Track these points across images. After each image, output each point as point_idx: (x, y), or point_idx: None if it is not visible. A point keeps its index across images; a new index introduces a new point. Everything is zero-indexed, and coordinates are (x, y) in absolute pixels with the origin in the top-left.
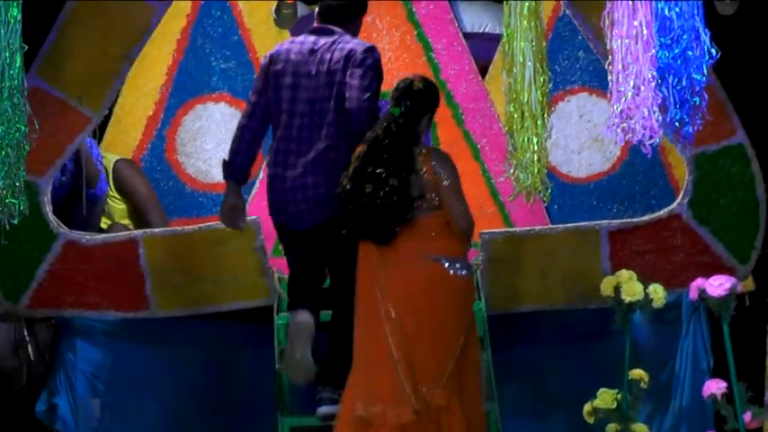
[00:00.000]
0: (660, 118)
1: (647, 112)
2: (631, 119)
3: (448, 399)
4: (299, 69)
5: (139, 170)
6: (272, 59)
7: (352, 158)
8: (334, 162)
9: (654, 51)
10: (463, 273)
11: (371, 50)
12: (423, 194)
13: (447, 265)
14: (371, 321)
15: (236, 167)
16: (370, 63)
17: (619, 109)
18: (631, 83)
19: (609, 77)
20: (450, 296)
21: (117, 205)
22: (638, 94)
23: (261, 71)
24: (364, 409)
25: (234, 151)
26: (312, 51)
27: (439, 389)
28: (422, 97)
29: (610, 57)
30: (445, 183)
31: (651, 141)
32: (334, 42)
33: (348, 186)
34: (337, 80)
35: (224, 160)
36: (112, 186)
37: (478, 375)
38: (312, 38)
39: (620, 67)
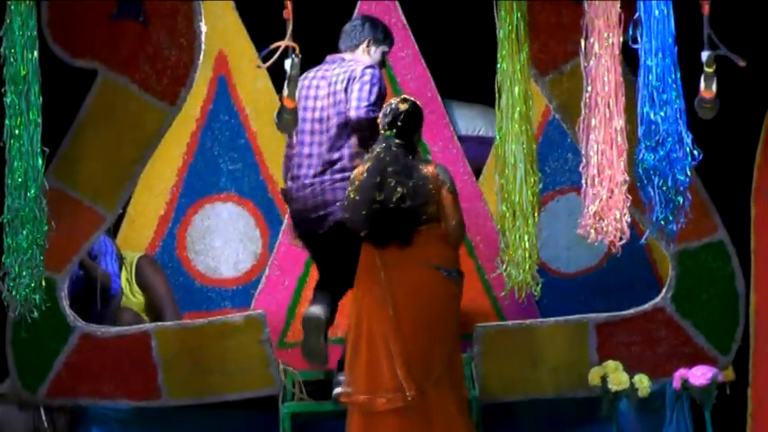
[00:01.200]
0: (628, 220)
1: (618, 215)
2: (603, 220)
3: (438, 388)
4: (309, 94)
5: (159, 268)
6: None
7: (353, 176)
8: (340, 174)
9: (625, 157)
10: (457, 278)
11: (370, 67)
12: (427, 203)
13: (445, 274)
14: (371, 318)
15: None
16: (368, 78)
17: (593, 210)
18: (606, 186)
19: (583, 179)
20: (446, 302)
21: (136, 299)
22: (611, 197)
23: None
24: (367, 399)
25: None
26: (323, 77)
27: (431, 380)
28: (410, 116)
29: (584, 160)
30: (448, 192)
31: (621, 242)
32: (341, 67)
33: (357, 197)
34: (338, 99)
35: None
36: (134, 281)
37: (461, 368)
38: (326, 65)
39: (594, 170)
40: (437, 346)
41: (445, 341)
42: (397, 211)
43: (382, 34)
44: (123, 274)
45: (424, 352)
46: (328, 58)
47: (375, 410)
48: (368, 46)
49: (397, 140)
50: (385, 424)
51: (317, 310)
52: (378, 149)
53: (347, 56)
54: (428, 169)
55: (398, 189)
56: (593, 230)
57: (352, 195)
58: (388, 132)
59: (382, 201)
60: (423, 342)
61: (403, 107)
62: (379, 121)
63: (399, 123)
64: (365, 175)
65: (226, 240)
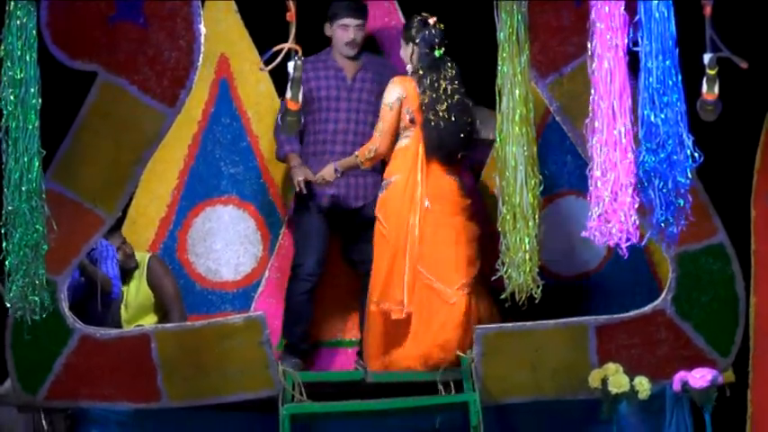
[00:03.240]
0: (636, 222)
1: (623, 217)
2: (609, 222)
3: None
4: None
5: (169, 269)
6: None
7: (425, 98)
8: None
9: (631, 158)
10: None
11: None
12: None
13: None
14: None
15: None
16: None
17: (597, 213)
18: (609, 188)
19: (589, 182)
20: (463, 207)
21: (145, 300)
22: (615, 200)
23: None
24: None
25: None
26: None
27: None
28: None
29: (590, 163)
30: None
31: (628, 243)
32: None
33: (453, 118)
34: None
35: None
36: (145, 280)
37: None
38: None
39: (598, 173)
40: (462, 252)
41: (469, 249)
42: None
43: (330, 11)
44: (136, 273)
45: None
46: None
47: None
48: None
49: (448, 58)
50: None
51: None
52: (448, 70)
53: None
54: None
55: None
56: (598, 233)
57: (447, 116)
58: (438, 52)
59: (472, 123)
60: (449, 245)
61: (440, 26)
62: (416, 39)
63: (446, 41)
64: (455, 96)
65: (226, 243)
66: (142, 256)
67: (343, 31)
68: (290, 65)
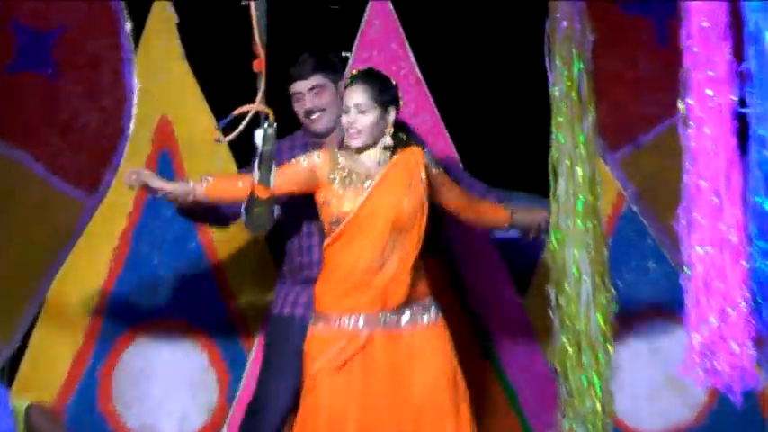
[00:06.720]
0: (754, 354)
1: (736, 347)
2: (715, 355)
3: None
4: None
5: (59, 422)
6: None
7: None
8: None
9: (745, 264)
10: None
11: None
12: None
13: None
14: None
15: None
16: None
17: (698, 341)
18: (715, 306)
19: (686, 298)
20: None
21: None
22: (724, 322)
23: None
24: None
25: None
26: None
27: None
28: None
29: (687, 270)
30: None
31: (743, 388)
32: None
33: None
34: None
35: None
36: None
37: None
38: None
39: (700, 284)
40: None
41: None
42: None
43: None
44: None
45: None
46: None
47: None
48: None
49: None
50: None
51: None
52: None
53: None
54: None
55: None
56: (700, 371)
57: None
58: None
59: None
60: None
61: None
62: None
63: None
64: None
65: (168, 388)
66: (19, 406)
67: (297, 102)
68: (258, 134)
